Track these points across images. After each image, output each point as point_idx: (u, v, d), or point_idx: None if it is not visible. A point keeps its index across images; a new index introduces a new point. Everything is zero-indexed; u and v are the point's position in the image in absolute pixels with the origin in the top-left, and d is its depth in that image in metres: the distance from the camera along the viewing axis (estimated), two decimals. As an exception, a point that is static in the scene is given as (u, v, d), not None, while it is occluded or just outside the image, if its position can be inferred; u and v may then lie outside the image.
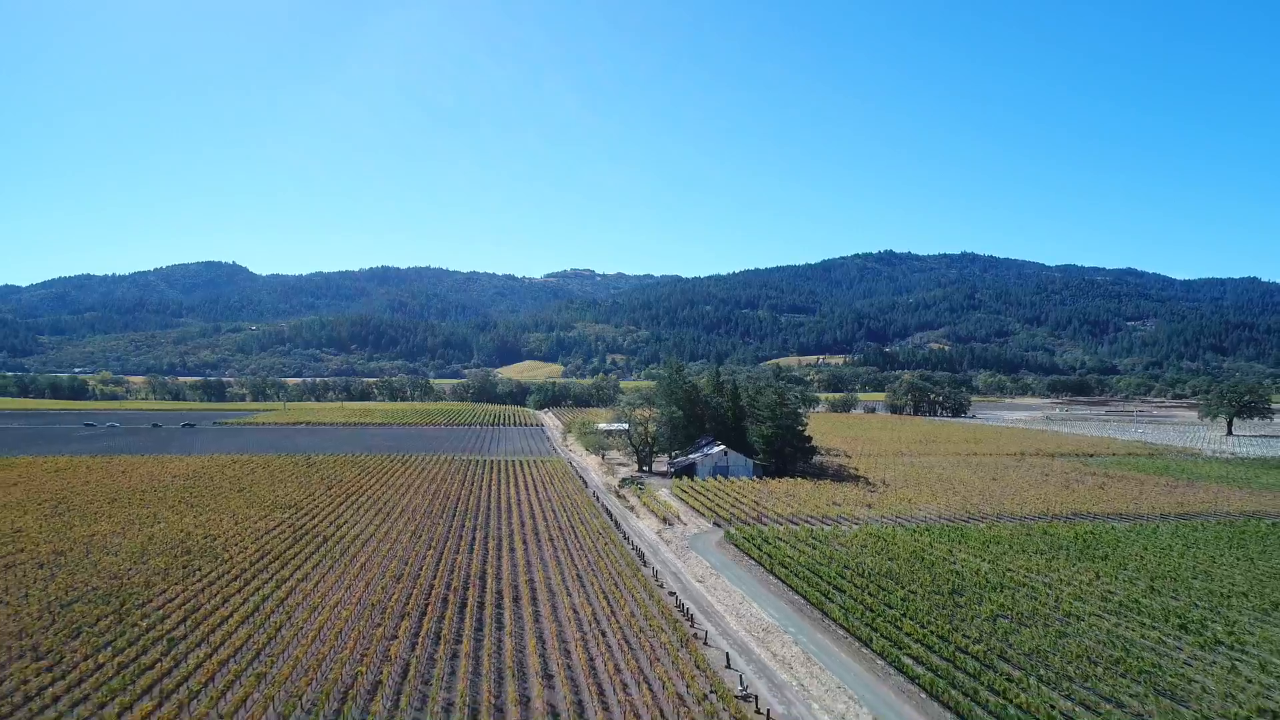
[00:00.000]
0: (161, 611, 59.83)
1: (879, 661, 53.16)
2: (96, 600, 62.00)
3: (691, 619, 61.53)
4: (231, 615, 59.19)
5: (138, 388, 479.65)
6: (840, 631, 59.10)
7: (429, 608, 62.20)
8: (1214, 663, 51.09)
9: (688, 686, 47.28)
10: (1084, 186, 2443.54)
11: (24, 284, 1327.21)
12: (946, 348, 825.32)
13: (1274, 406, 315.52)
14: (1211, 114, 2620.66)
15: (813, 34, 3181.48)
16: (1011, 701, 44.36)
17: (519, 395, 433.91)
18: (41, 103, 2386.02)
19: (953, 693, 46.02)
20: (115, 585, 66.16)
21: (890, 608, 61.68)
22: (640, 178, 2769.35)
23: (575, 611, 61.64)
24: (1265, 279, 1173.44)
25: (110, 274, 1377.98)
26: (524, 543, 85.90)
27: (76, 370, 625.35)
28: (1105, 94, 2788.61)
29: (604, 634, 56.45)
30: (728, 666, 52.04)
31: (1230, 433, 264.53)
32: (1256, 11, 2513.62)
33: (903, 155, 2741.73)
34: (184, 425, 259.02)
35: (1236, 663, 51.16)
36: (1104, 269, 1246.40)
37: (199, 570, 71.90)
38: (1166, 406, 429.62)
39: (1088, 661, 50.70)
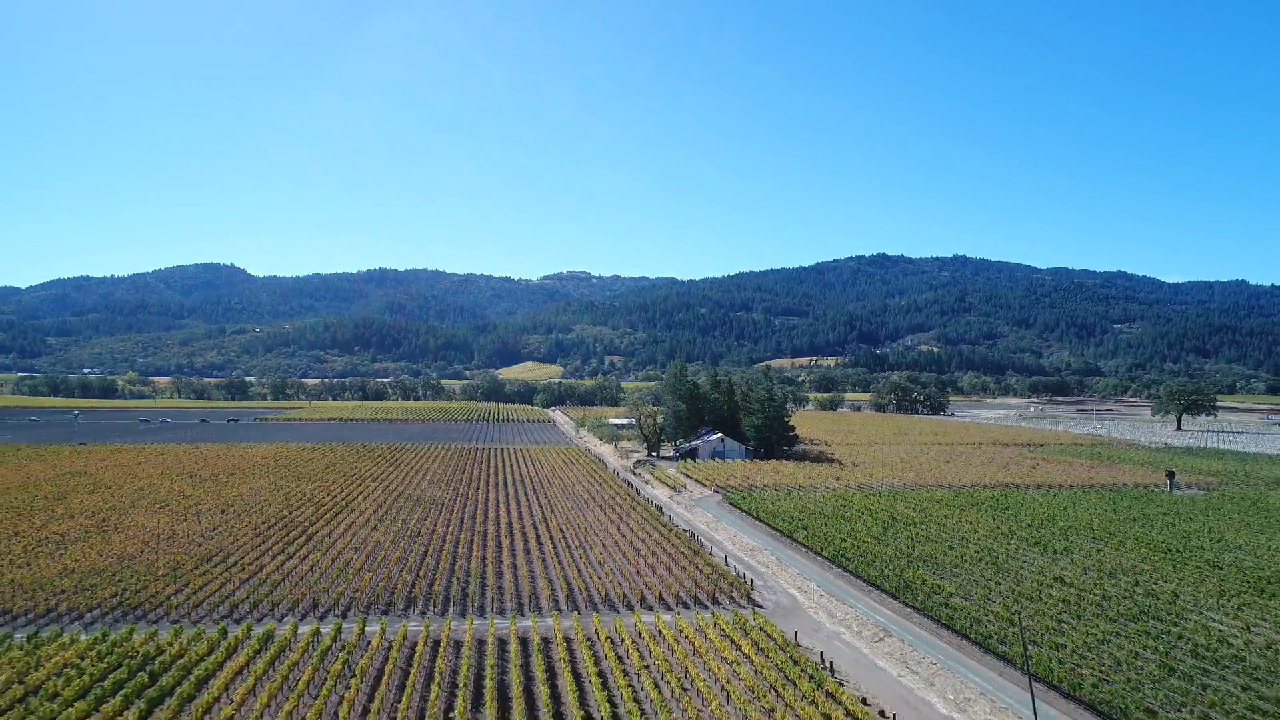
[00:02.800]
0: (333, 536, 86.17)
1: (827, 562, 79.84)
2: (284, 528, 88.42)
3: (700, 543, 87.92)
4: (384, 539, 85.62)
5: (163, 388, 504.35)
6: (803, 549, 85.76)
7: (514, 537, 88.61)
8: (1044, 561, 77.72)
9: (701, 573, 73.65)
10: (1077, 190, 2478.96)
11: (23, 285, 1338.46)
12: (936, 349, 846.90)
13: (1221, 405, 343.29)
14: (1205, 118, 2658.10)
15: (807, 38, 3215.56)
16: (902, 577, 70.86)
17: (526, 395, 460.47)
18: (38, 105, 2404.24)
19: (869, 573, 72.64)
20: (287, 522, 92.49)
21: (839, 535, 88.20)
22: (636, 180, 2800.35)
23: (617, 539, 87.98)
24: (1253, 282, 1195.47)
25: (109, 275, 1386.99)
26: (567, 502, 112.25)
27: (86, 370, 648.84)
28: (1101, 98, 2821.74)
29: (639, 551, 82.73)
30: (726, 564, 78.49)
31: (1179, 428, 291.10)
32: (1251, 17, 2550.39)
33: (897, 158, 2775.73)
34: (229, 420, 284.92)
35: (1058, 561, 77.84)
36: (1094, 272, 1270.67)
37: (338, 516, 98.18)
38: (1137, 405, 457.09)
39: (962, 559, 77.36)
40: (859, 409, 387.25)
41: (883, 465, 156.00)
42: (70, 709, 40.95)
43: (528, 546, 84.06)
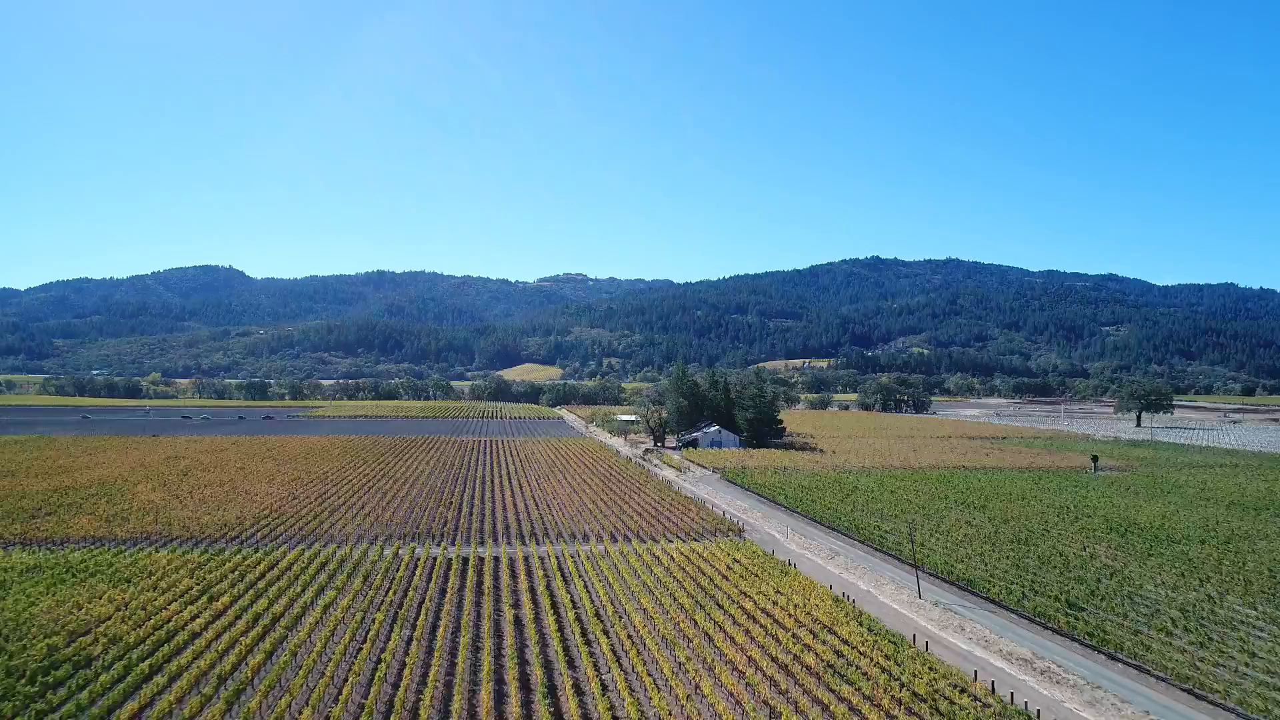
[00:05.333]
0: (418, 499, 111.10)
1: (799, 516, 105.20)
2: (377, 494, 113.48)
3: (703, 504, 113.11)
4: (460, 499, 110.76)
5: (184, 388, 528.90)
6: (783, 508, 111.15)
7: (560, 500, 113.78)
8: (963, 514, 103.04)
9: (705, 520, 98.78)
10: (1072, 193, 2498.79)
11: (22, 287, 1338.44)
12: (927, 351, 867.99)
13: (1191, 404, 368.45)
14: (1200, 119, 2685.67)
15: (803, 40, 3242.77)
16: (854, 522, 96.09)
17: (532, 395, 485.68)
18: (36, 106, 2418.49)
19: (830, 520, 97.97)
20: (377, 489, 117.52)
21: (811, 498, 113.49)
22: (632, 182, 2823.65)
23: (640, 501, 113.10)
24: (1243, 285, 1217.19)
25: (108, 277, 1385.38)
26: (594, 479, 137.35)
27: (95, 371, 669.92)
28: (1097, 100, 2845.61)
29: (658, 508, 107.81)
30: (723, 515, 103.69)
31: (1139, 424, 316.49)
32: (1247, 18, 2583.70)
33: (892, 160, 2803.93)
34: (264, 418, 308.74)
35: (974, 514, 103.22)
36: (1085, 275, 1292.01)
37: (413, 487, 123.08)
38: (1112, 405, 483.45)
39: (901, 513, 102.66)
40: (847, 408, 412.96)
41: (857, 453, 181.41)
42: (318, 576, 66.09)
43: (573, 506, 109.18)
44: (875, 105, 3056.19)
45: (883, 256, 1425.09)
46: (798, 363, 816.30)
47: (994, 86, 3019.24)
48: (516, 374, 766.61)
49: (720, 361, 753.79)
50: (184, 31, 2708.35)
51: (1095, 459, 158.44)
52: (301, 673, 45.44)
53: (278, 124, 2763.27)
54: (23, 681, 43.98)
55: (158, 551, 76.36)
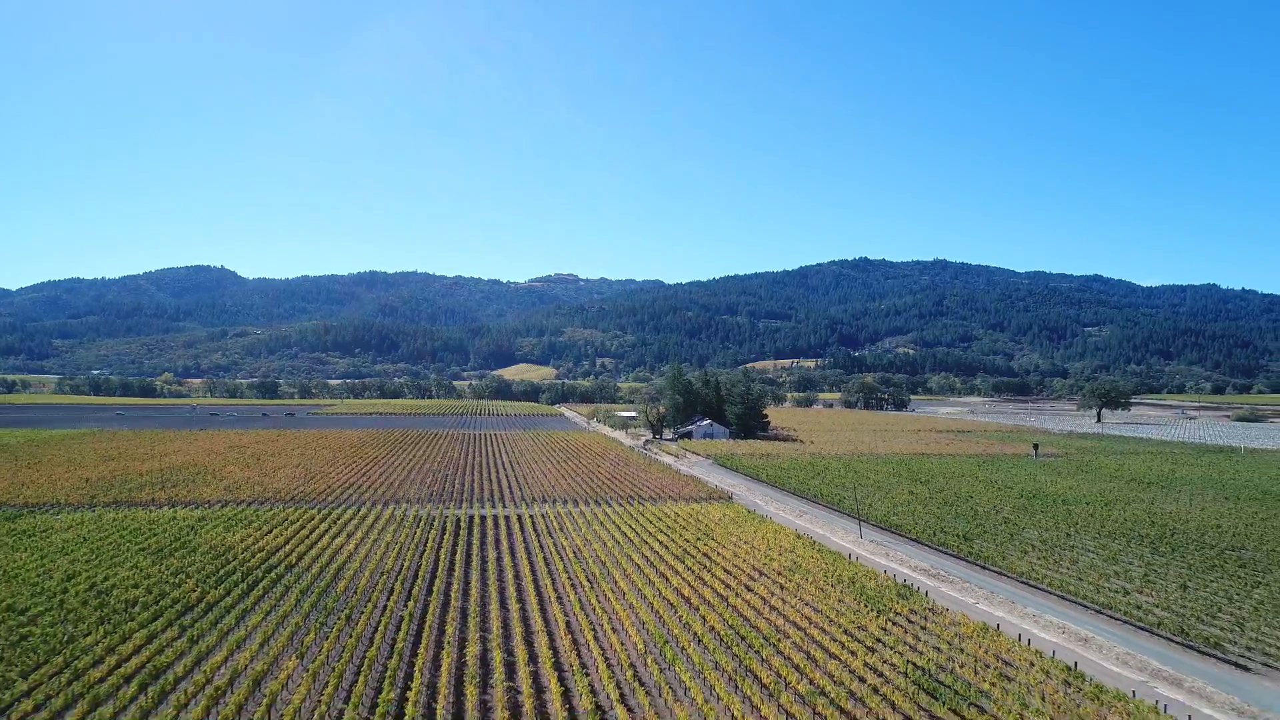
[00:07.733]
0: (462, 474, 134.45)
1: (778, 488, 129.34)
2: (429, 475, 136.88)
3: (699, 480, 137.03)
4: (499, 477, 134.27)
5: (196, 387, 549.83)
6: (764, 483, 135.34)
7: (580, 475, 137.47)
8: (911, 487, 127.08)
9: (702, 490, 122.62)
10: (1060, 194, 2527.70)
11: (13, 287, 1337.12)
12: (912, 352, 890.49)
13: (1160, 403, 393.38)
14: (1191, 120, 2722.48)
15: (794, 41, 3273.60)
16: (819, 492, 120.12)
17: (532, 393, 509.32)
18: (30, 107, 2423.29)
19: (801, 490, 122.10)
20: (427, 470, 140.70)
21: (787, 476, 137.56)
22: (624, 182, 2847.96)
23: (646, 478, 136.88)
24: (1224, 286, 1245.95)
25: (100, 278, 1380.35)
26: (605, 464, 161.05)
27: (95, 371, 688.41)
28: (1091, 101, 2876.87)
29: (662, 483, 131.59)
30: (716, 487, 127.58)
31: (1099, 420, 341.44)
32: (1234, 20, 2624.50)
33: (882, 161, 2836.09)
34: (287, 414, 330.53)
35: (918, 487, 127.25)
36: (1071, 275, 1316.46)
37: (455, 469, 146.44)
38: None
39: (860, 486, 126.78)
40: (831, 406, 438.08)
41: (833, 443, 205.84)
42: (414, 532, 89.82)
43: (593, 480, 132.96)
44: (865, 107, 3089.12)
45: (871, 258, 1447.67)
46: (786, 363, 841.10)
47: (984, 88, 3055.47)
48: (511, 374, 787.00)
49: (711, 361, 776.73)
50: (176, 32, 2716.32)
51: (1036, 447, 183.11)
52: (440, 571, 69.19)
53: (270, 124, 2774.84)
54: (260, 571, 67.52)
55: (283, 509, 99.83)
